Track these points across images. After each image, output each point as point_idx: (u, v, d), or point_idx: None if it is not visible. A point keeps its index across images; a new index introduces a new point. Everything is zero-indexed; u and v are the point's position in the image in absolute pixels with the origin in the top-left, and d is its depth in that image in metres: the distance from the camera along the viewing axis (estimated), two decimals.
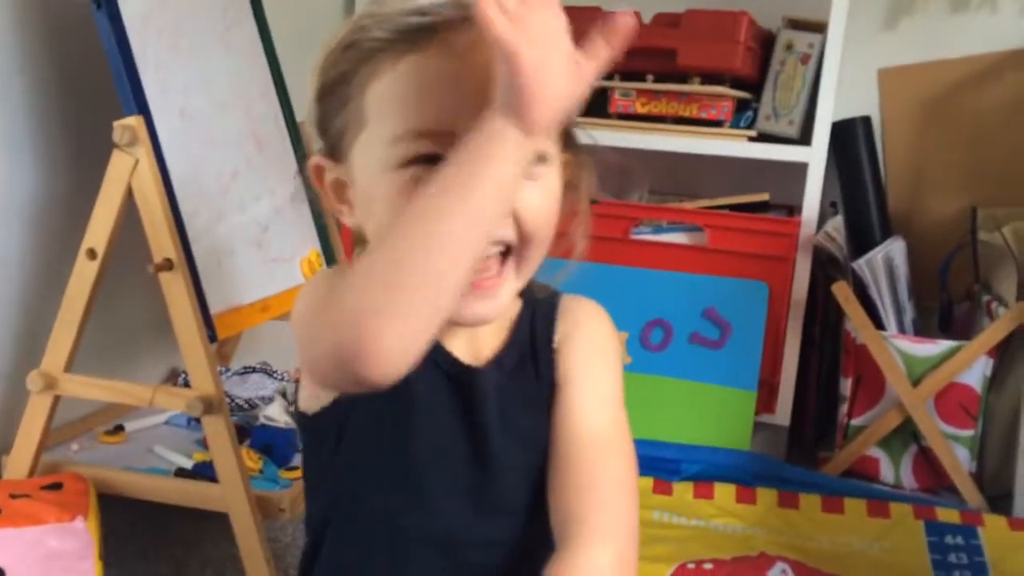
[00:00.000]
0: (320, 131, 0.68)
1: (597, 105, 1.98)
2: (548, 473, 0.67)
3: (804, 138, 1.90)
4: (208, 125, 1.35)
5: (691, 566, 1.38)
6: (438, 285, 0.54)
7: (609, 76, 1.95)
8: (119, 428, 1.42)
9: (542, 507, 0.68)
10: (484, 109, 0.57)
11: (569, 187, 0.70)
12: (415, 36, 0.60)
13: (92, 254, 1.17)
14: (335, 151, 0.66)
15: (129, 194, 1.16)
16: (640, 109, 1.96)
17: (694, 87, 1.91)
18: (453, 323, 0.64)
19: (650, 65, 1.92)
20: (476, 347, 0.69)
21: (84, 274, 1.17)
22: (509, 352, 0.69)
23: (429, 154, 0.60)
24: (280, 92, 1.58)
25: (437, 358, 0.67)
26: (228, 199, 1.35)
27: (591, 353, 0.70)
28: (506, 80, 0.54)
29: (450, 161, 0.55)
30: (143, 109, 1.18)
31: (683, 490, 1.63)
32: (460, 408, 0.68)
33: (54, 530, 1.09)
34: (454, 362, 0.68)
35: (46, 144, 1.32)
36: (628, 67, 1.94)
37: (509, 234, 0.62)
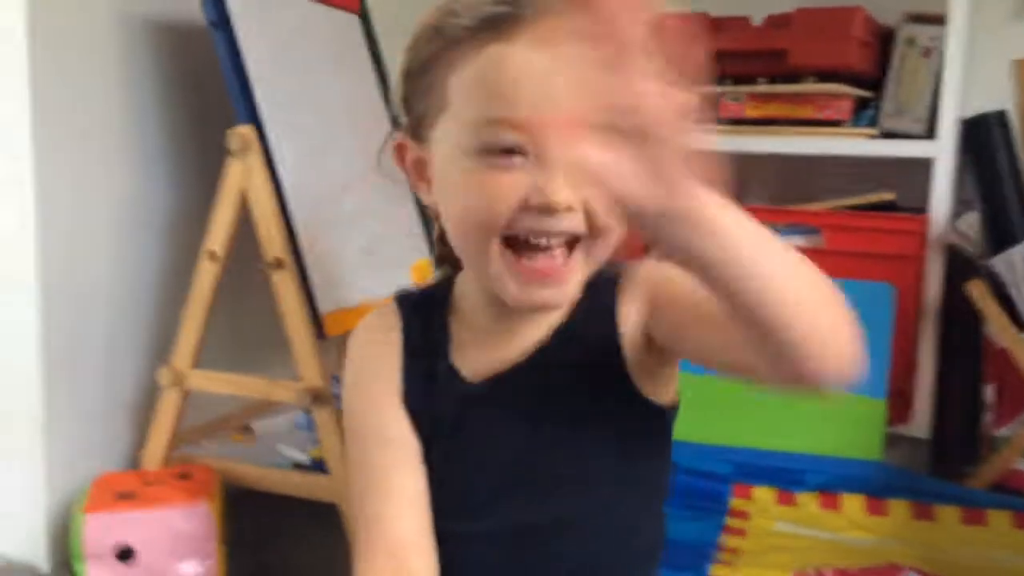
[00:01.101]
0: (404, 110, 0.69)
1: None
2: (731, 347, 0.58)
3: (931, 135, 1.81)
4: (320, 138, 1.43)
5: (811, 572, 1.31)
6: None
7: (718, 80, 1.93)
8: (248, 428, 1.51)
9: (607, 477, 0.68)
10: (564, 102, 0.57)
11: None
12: (500, 24, 0.61)
13: (213, 256, 1.26)
14: (417, 132, 0.68)
15: (244, 199, 1.24)
16: (751, 113, 1.92)
17: (808, 87, 1.86)
18: (519, 310, 0.65)
19: (760, 68, 1.89)
20: (530, 336, 0.68)
21: (206, 275, 1.26)
22: (560, 335, 0.68)
23: (510, 143, 0.61)
24: (390, 108, 1.66)
25: (465, 394, 0.67)
26: (340, 208, 1.42)
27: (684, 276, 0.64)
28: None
29: None
30: (255, 119, 1.26)
31: (808, 501, 1.56)
32: (507, 417, 0.67)
33: (180, 513, 1.16)
34: (487, 384, 0.67)
35: (175, 159, 1.44)
36: (738, 71, 1.91)
37: (581, 228, 0.61)
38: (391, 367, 0.69)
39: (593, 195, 0.60)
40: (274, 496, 1.31)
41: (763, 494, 1.57)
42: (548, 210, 0.60)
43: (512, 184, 0.60)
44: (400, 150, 0.70)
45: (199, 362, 1.31)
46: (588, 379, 0.67)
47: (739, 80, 1.91)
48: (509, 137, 0.60)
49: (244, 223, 1.27)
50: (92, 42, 1.31)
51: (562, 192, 0.59)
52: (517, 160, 0.61)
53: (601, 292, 0.69)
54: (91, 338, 1.34)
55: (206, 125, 1.43)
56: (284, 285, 1.22)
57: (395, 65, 1.70)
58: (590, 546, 0.69)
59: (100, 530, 1.12)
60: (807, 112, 1.87)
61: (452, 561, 0.70)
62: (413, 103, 0.68)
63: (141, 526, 1.14)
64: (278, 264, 1.22)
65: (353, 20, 1.61)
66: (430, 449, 0.69)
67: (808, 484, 1.59)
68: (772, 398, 1.79)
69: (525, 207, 0.60)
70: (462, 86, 0.63)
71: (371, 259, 1.46)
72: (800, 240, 1.82)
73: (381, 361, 0.70)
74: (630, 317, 0.68)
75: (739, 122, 1.92)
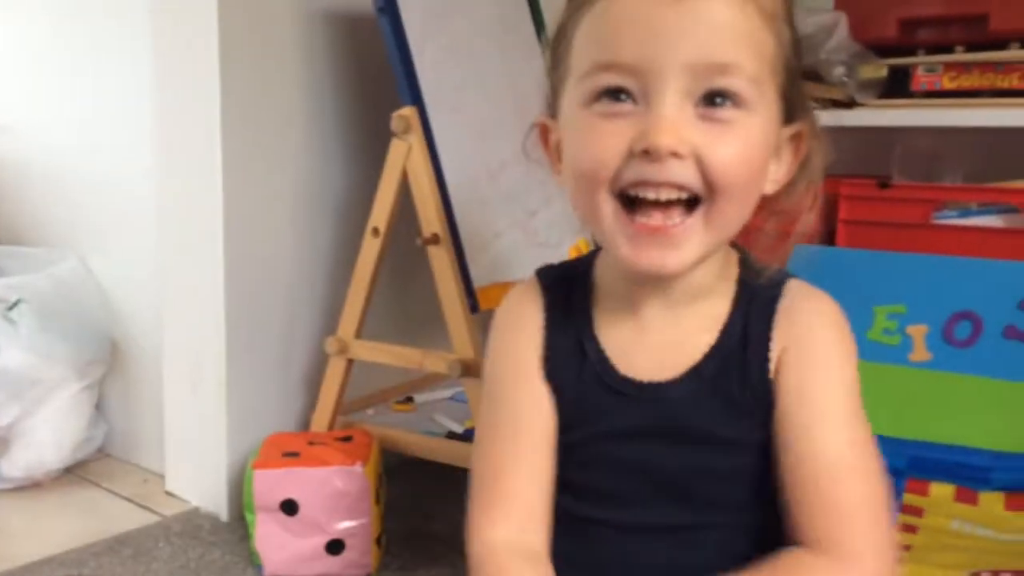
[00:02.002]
0: (549, 92, 0.70)
1: (897, 85, 1.83)
2: (783, 493, 0.64)
3: None
4: (480, 119, 1.46)
5: (986, 573, 1.21)
6: None
7: (910, 51, 1.80)
8: (409, 399, 1.58)
9: (758, 501, 0.67)
10: (671, 44, 0.58)
11: (803, 164, 0.67)
12: None
13: (376, 232, 1.33)
14: (553, 107, 0.68)
15: (405, 177, 1.30)
16: (948, 84, 1.78)
17: (1013, 54, 1.69)
18: (635, 273, 0.63)
19: (957, 35, 1.74)
20: (682, 347, 0.67)
21: (369, 250, 1.33)
22: (711, 360, 0.66)
23: (614, 87, 0.60)
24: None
25: (614, 384, 0.67)
26: (496, 186, 1.45)
27: (822, 366, 0.65)
28: None
29: None
30: (417, 101, 1.32)
31: (992, 501, 1.44)
32: (648, 423, 0.66)
33: (339, 472, 1.24)
34: (632, 384, 0.67)
35: (347, 142, 1.52)
36: (933, 40, 1.78)
37: (692, 180, 0.59)
38: (532, 339, 0.70)
39: (706, 143, 0.59)
40: (429, 463, 1.37)
41: (941, 491, 1.47)
42: (652, 155, 0.58)
43: (618, 131, 0.59)
44: (543, 132, 0.70)
45: (364, 333, 1.38)
46: (738, 411, 0.66)
47: (934, 49, 1.77)
48: (614, 80, 0.59)
49: (408, 201, 1.33)
50: (275, 36, 1.41)
51: (665, 136, 0.58)
52: (626, 107, 0.60)
53: (756, 320, 0.66)
54: (270, 310, 1.46)
55: (376, 109, 1.51)
56: (440, 259, 1.27)
57: None
58: (732, 547, 0.67)
59: (267, 484, 1.22)
60: (1011, 81, 1.71)
61: (593, 548, 0.70)
62: (551, 77, 0.68)
63: (303, 482, 1.22)
64: (434, 239, 1.26)
65: None
66: (572, 428, 0.69)
67: (994, 483, 1.47)
68: (955, 388, 1.67)
69: (631, 155, 0.59)
70: (579, 43, 0.63)
71: (528, 237, 1.49)
72: (997, 220, 1.67)
73: (523, 333, 0.71)
74: (776, 354, 0.66)
75: (935, 95, 1.78)
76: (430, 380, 1.66)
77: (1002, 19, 1.67)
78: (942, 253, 1.67)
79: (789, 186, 0.68)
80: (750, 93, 0.59)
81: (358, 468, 1.25)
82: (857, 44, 1.82)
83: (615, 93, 0.60)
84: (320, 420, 1.40)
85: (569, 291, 0.71)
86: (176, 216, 1.43)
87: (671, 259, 0.60)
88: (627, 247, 0.61)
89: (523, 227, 1.48)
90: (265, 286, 1.44)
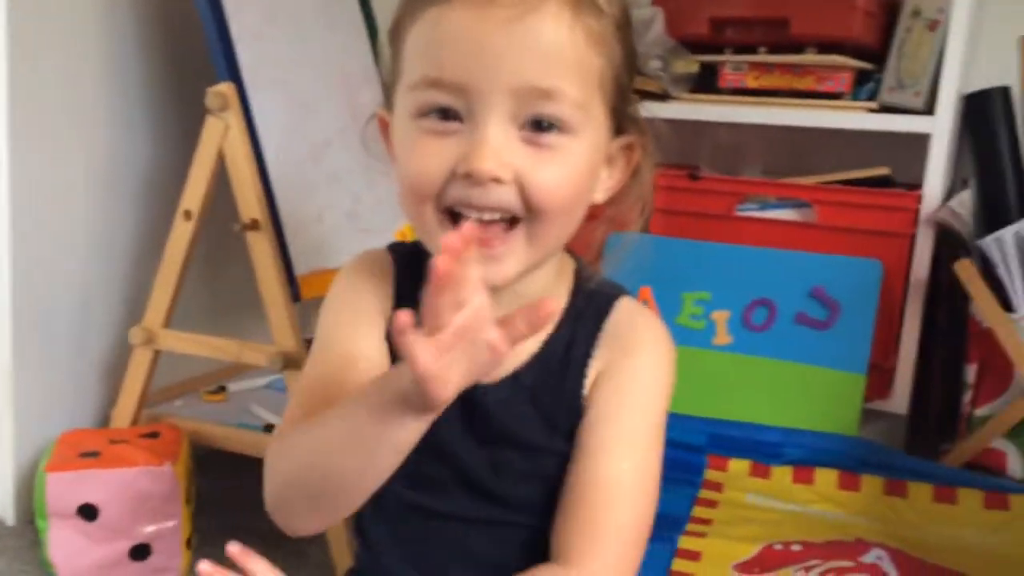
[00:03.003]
0: (388, 83, 0.69)
1: (707, 81, 1.92)
2: (559, 503, 0.66)
3: (931, 110, 1.78)
4: (304, 97, 1.40)
5: (778, 547, 1.32)
6: (344, 498, 0.60)
7: (719, 50, 1.89)
8: (221, 389, 1.50)
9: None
10: (497, 67, 0.57)
11: (634, 174, 0.68)
12: None
13: (188, 215, 1.24)
14: (389, 102, 0.67)
15: (222, 158, 1.22)
16: (752, 83, 1.88)
17: (809, 57, 1.81)
18: None
19: (762, 36, 1.85)
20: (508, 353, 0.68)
21: (180, 234, 1.25)
22: (531, 368, 0.67)
23: (441, 105, 0.60)
24: (380, 68, 1.63)
25: None
26: (320, 168, 1.40)
27: (631, 391, 0.67)
28: (414, 385, 0.52)
29: (360, 405, 0.57)
30: (236, 78, 1.24)
31: (782, 474, 1.56)
32: (468, 421, 0.67)
33: (145, 473, 1.16)
34: None
35: (153, 115, 1.41)
36: (738, 40, 1.87)
37: (514, 204, 0.60)
38: (380, 303, 0.69)
39: (529, 168, 0.59)
40: (245, 457, 1.31)
41: (738, 466, 1.58)
42: (474, 179, 0.58)
43: (443, 150, 0.59)
44: (383, 124, 0.69)
45: (173, 322, 1.30)
46: (550, 420, 0.67)
47: (741, 49, 1.88)
48: (441, 98, 0.59)
49: (223, 182, 1.25)
50: None
51: (487, 161, 0.58)
52: (453, 126, 0.60)
53: (582, 335, 0.67)
54: (63, 295, 1.34)
55: (189, 82, 1.41)
56: (259, 246, 1.21)
57: (386, 18, 1.67)
58: (538, 547, 0.68)
59: (62, 488, 1.13)
60: (807, 83, 1.84)
61: (407, 533, 0.70)
62: (390, 72, 0.67)
63: (104, 485, 1.14)
64: (254, 225, 1.20)
65: None
66: None
67: (784, 457, 1.59)
68: (751, 370, 1.78)
69: (455, 175, 0.59)
70: (409, 48, 0.62)
71: (353, 222, 1.45)
72: (792, 214, 1.80)
73: (370, 295, 0.69)
74: (594, 371, 0.67)
75: (740, 92, 1.88)
76: (242, 367, 1.58)
77: (802, 24, 1.79)
78: (744, 243, 1.78)
79: (620, 194, 0.70)
80: (575, 118, 0.60)
81: (167, 468, 1.17)
82: (672, 40, 1.89)
83: (443, 110, 0.60)
84: (122, 415, 1.30)
85: (416, 274, 0.71)
86: None
87: (492, 273, 0.61)
88: None
89: (347, 211, 1.44)
90: (57, 269, 1.32)
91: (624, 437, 0.66)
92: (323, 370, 0.67)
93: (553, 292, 0.68)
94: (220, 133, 1.21)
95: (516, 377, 0.67)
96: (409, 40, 0.62)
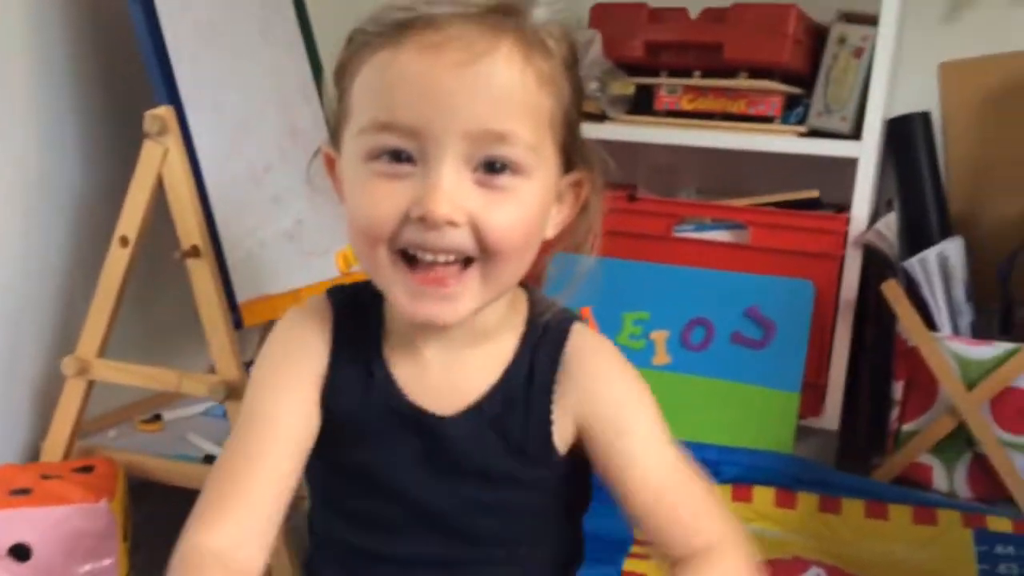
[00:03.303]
0: (334, 122, 0.69)
1: (643, 102, 1.95)
2: (644, 522, 0.67)
3: (857, 134, 1.84)
4: (243, 118, 1.37)
5: None
6: None
7: (655, 73, 1.93)
8: (157, 417, 1.46)
9: (534, 535, 0.70)
10: (450, 110, 0.58)
11: (583, 209, 0.69)
12: (393, 30, 0.60)
13: (124, 241, 1.20)
14: (336, 141, 0.67)
15: (160, 183, 1.19)
16: (687, 106, 1.93)
17: (742, 82, 1.86)
18: (413, 323, 0.64)
19: (697, 61, 1.89)
20: (463, 386, 0.68)
21: (117, 261, 1.21)
22: (494, 398, 0.67)
23: (392, 148, 0.60)
24: (320, 88, 1.61)
25: (400, 408, 0.67)
26: (261, 191, 1.37)
27: (629, 398, 0.68)
28: None
29: None
30: (175, 100, 1.21)
31: (721, 493, 1.58)
32: (426, 456, 0.67)
33: (80, 511, 1.11)
34: (418, 412, 0.67)
35: (87, 136, 1.36)
36: (674, 63, 1.91)
37: (468, 246, 0.60)
38: (314, 356, 0.68)
39: (482, 210, 0.60)
40: (188, 490, 1.28)
41: None
42: (428, 223, 0.59)
43: (396, 194, 0.60)
44: (329, 161, 0.69)
45: (107, 351, 1.25)
46: (517, 449, 0.68)
47: (676, 72, 1.91)
48: (393, 141, 0.60)
49: (159, 206, 1.22)
50: None
51: (442, 205, 0.58)
52: (405, 169, 0.60)
53: (542, 363, 0.68)
54: None
55: (123, 103, 1.37)
56: (200, 274, 1.18)
57: (325, 38, 1.65)
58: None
59: None
60: (739, 107, 1.89)
61: (357, 573, 0.70)
62: (335, 111, 0.67)
63: (36, 524, 1.09)
64: (194, 252, 1.17)
65: None
66: (350, 450, 0.68)
67: (723, 476, 1.62)
68: (690, 389, 1.81)
69: (408, 219, 0.60)
70: (359, 91, 0.62)
71: (294, 245, 1.42)
72: (727, 235, 1.84)
73: (304, 352, 0.69)
74: (563, 416, 0.68)
75: (675, 114, 1.92)
76: (176, 394, 1.53)
77: (735, 50, 1.83)
78: (681, 264, 1.82)
79: (569, 230, 0.71)
80: (528, 160, 0.61)
81: (103, 505, 1.13)
82: (609, 62, 1.92)
83: (395, 153, 0.60)
84: (53, 449, 1.25)
85: (359, 316, 0.71)
86: None
87: (447, 312, 0.62)
88: (405, 298, 0.62)
89: (289, 235, 1.41)
90: None
91: (654, 440, 0.68)
92: (241, 455, 0.66)
93: (506, 324, 0.69)
94: (159, 157, 1.18)
95: (479, 408, 0.67)
96: (358, 82, 0.62)
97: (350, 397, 0.68)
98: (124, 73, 1.39)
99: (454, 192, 0.59)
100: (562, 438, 0.68)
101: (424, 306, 0.61)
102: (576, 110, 0.67)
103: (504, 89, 0.59)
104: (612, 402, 0.68)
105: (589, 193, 0.69)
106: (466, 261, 0.62)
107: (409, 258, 0.61)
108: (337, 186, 0.68)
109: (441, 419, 0.67)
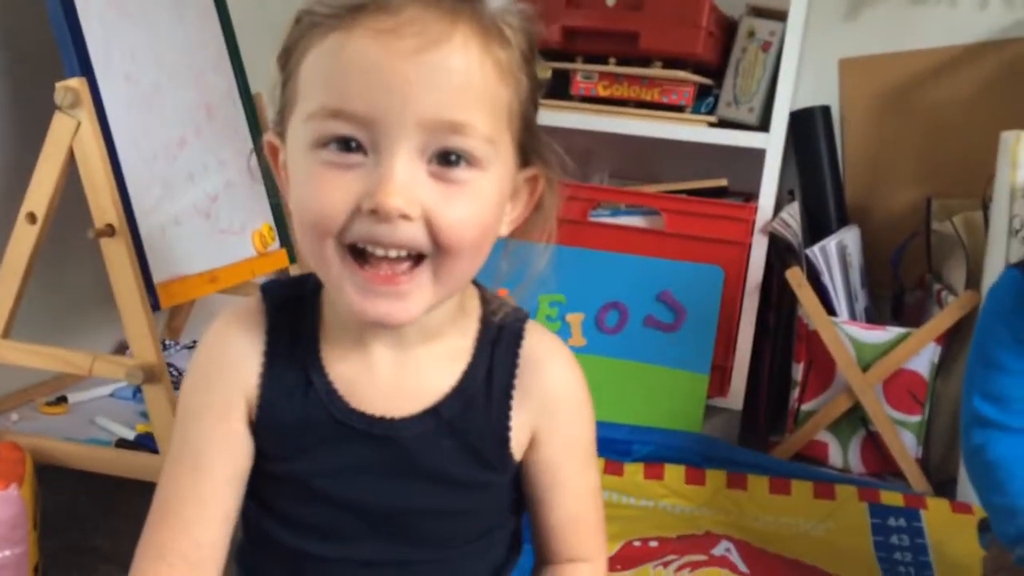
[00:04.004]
0: (278, 108, 0.65)
1: (559, 87, 1.97)
2: (544, 533, 0.72)
3: (764, 125, 1.91)
4: (156, 92, 1.32)
5: (637, 543, 1.39)
6: None
7: (571, 58, 1.95)
8: (61, 399, 1.40)
9: (482, 534, 0.70)
10: (405, 99, 0.56)
11: (538, 206, 0.68)
12: (344, 13, 0.57)
13: (32, 218, 1.15)
14: (281, 129, 0.64)
15: (71, 157, 1.14)
16: (602, 92, 1.96)
17: (655, 71, 1.91)
18: (363, 323, 0.62)
19: (613, 48, 1.92)
20: (416, 386, 0.66)
21: (23, 238, 1.15)
22: (452, 400, 0.66)
23: (342, 136, 0.57)
24: (235, 63, 1.56)
25: (343, 418, 0.65)
26: (175, 168, 1.33)
27: (577, 415, 0.70)
28: None
29: None
30: (87, 72, 1.16)
31: (634, 471, 1.64)
32: (375, 461, 0.66)
33: None
34: (365, 419, 0.65)
35: None
36: (591, 50, 1.94)
37: (421, 241, 0.58)
38: (243, 368, 0.66)
39: (437, 204, 0.58)
40: (95, 474, 1.24)
41: None
42: (381, 216, 0.57)
43: (346, 185, 0.57)
44: (271, 149, 0.66)
45: (12, 332, 1.20)
46: (473, 452, 0.67)
47: (592, 59, 1.94)
48: (343, 129, 0.57)
49: (70, 183, 1.17)
50: None
51: (395, 197, 0.56)
52: (355, 158, 0.58)
53: (500, 366, 0.68)
54: None
55: (30, 75, 1.30)
56: (115, 253, 1.14)
57: (240, 9, 1.59)
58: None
59: None
60: (653, 95, 1.93)
61: None
62: (279, 96, 0.64)
63: None
64: (109, 231, 1.13)
65: None
66: (290, 459, 0.66)
67: (635, 454, 1.67)
68: (604, 371, 1.86)
69: (359, 211, 0.57)
70: (306, 76, 0.60)
71: (210, 223, 1.39)
72: (641, 221, 1.88)
73: (231, 362, 0.66)
74: (520, 422, 0.68)
75: (591, 100, 1.95)
76: (80, 376, 1.47)
77: (650, 39, 1.87)
78: (597, 248, 1.85)
79: (524, 226, 0.70)
80: (484, 152, 0.59)
81: (12, 491, 1.08)
82: None
83: (344, 142, 0.57)
84: None
85: (296, 315, 0.67)
86: None
87: (398, 311, 0.60)
88: (355, 296, 0.59)
89: (204, 213, 1.38)
90: None
91: (582, 460, 0.71)
92: (177, 497, 0.65)
93: (459, 322, 0.68)
94: (70, 131, 1.13)
95: (435, 411, 0.66)
96: (306, 66, 0.59)
97: (288, 411, 0.65)
98: (33, 42, 1.32)
99: (408, 184, 0.56)
100: (519, 443, 0.68)
101: (375, 305, 0.59)
102: (533, 104, 0.64)
103: (462, 78, 0.57)
104: (566, 419, 0.68)
105: (544, 189, 0.68)
106: (418, 258, 0.59)
107: (358, 253, 0.59)
108: (279, 176, 0.65)
109: (392, 422, 0.65)
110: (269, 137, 0.66)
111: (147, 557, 0.63)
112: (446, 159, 0.58)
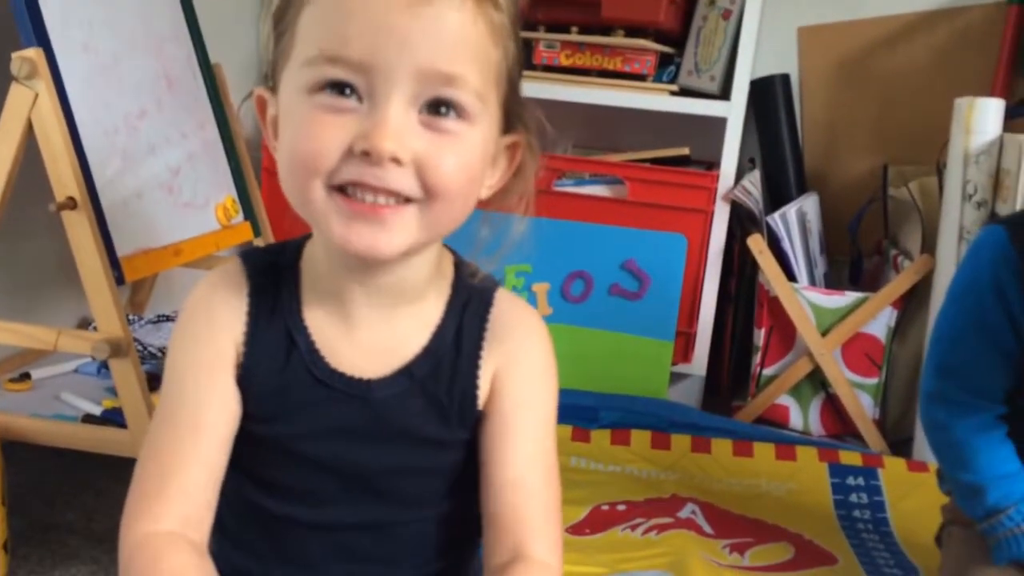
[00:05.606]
0: (270, 63, 0.66)
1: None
2: (489, 504, 0.67)
3: (724, 94, 1.93)
4: (115, 63, 1.30)
5: (605, 507, 1.41)
6: None
7: (533, 27, 1.95)
8: (25, 376, 1.38)
9: (457, 492, 0.70)
10: (402, 47, 0.57)
11: (516, 173, 0.69)
12: None
13: None
14: (273, 82, 0.65)
15: (30, 129, 1.12)
16: (564, 61, 1.96)
17: (617, 40, 1.91)
18: (345, 255, 0.63)
19: (575, 17, 1.92)
20: (392, 347, 0.67)
21: None
22: (423, 361, 0.67)
23: (340, 81, 0.59)
24: (193, 32, 1.54)
25: (324, 378, 0.66)
26: (136, 140, 1.31)
27: (537, 378, 0.70)
28: None
29: None
30: (43, 42, 1.13)
31: (601, 437, 1.66)
32: (353, 421, 0.67)
33: None
34: (345, 379, 0.67)
35: None
36: (553, 18, 1.93)
37: (410, 187, 0.59)
38: (229, 329, 0.67)
39: (428, 152, 0.60)
40: (61, 451, 1.23)
41: (560, 431, 1.65)
42: (372, 158, 0.58)
43: (339, 127, 0.59)
44: (260, 104, 0.67)
45: None
46: (444, 412, 0.68)
47: (554, 28, 1.94)
48: (340, 74, 0.58)
49: (29, 155, 1.14)
50: None
51: (388, 141, 0.58)
52: (350, 103, 0.59)
53: (469, 327, 0.69)
54: None
55: None
56: (78, 227, 1.12)
57: None
58: (428, 538, 0.71)
59: None
60: (615, 64, 1.93)
61: (284, 543, 0.70)
62: (273, 53, 0.65)
63: None
64: (71, 204, 1.11)
65: None
66: (270, 421, 0.67)
67: (602, 421, 1.70)
68: (570, 339, 1.87)
69: (351, 153, 0.59)
70: (306, 23, 0.61)
71: (172, 196, 1.37)
72: (605, 190, 1.89)
73: (218, 323, 0.67)
74: (486, 380, 0.69)
75: (553, 69, 1.95)
76: (43, 352, 1.46)
77: (612, 8, 1.87)
78: (561, 218, 1.86)
79: (502, 192, 0.71)
80: (474, 106, 0.61)
81: None
82: None
83: (340, 87, 0.59)
84: None
85: (277, 279, 0.68)
86: None
87: (382, 242, 0.60)
88: (339, 226, 0.60)
89: (167, 186, 1.36)
90: None
91: (542, 420, 0.69)
92: (168, 450, 0.64)
93: (434, 285, 0.69)
94: (28, 103, 1.10)
95: (408, 370, 0.67)
96: (305, 14, 0.61)
97: (271, 369, 0.66)
98: None
99: (400, 130, 0.58)
100: (485, 401, 0.69)
101: (359, 234, 0.60)
102: (518, 70, 0.67)
103: (457, 32, 0.59)
104: (526, 377, 0.69)
105: (525, 157, 0.69)
106: (405, 200, 0.60)
107: (345, 196, 0.60)
108: (266, 129, 0.66)
109: (368, 383, 0.66)
110: (259, 91, 0.67)
111: (143, 519, 0.62)
112: (437, 109, 0.60)
